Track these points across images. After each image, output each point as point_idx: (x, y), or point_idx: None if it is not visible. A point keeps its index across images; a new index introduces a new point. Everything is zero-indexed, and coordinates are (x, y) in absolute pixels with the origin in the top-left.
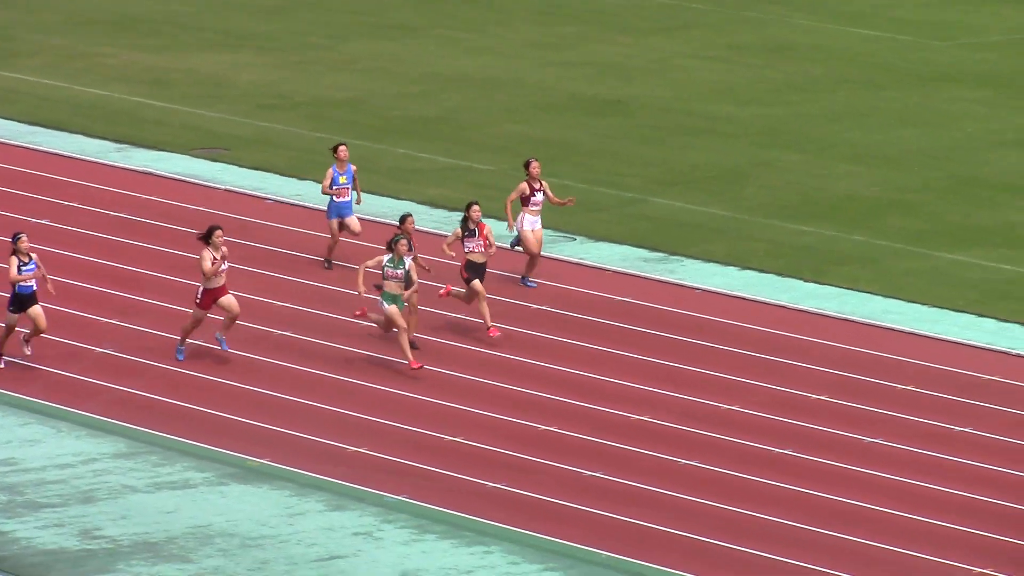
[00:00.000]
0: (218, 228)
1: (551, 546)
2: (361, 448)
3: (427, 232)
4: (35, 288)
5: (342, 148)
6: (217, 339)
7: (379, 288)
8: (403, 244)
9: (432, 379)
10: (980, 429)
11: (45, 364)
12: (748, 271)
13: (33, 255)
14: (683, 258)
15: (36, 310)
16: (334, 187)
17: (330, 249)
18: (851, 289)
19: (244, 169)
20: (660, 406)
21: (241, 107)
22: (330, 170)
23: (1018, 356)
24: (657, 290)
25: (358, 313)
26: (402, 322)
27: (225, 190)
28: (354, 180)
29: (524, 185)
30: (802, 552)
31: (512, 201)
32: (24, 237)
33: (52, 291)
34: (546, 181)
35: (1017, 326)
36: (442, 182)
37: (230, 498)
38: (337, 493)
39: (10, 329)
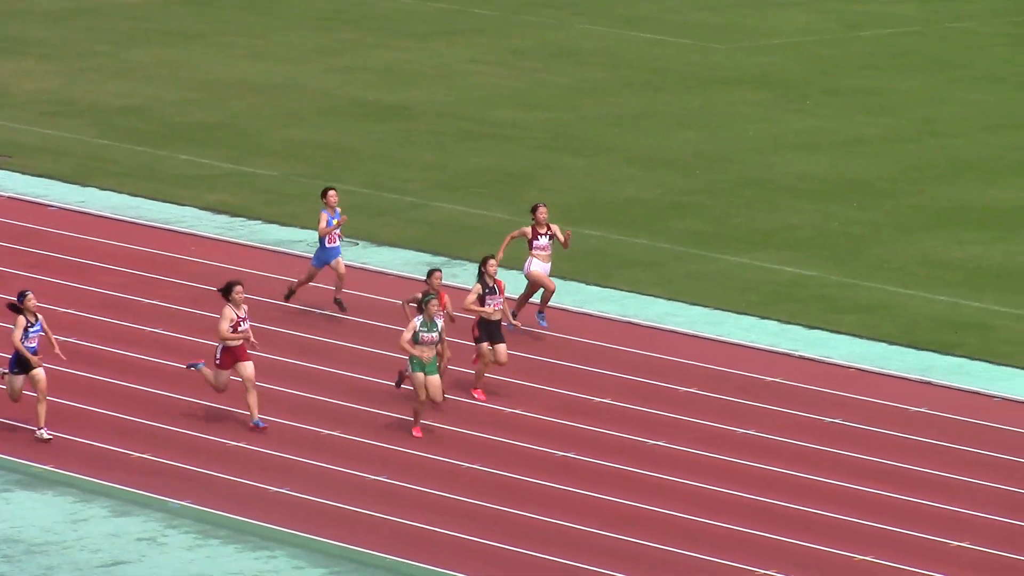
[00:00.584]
0: (238, 284)
1: (335, 550)
2: (145, 454)
3: (209, 237)
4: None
5: (332, 193)
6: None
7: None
8: (434, 305)
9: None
10: (762, 431)
11: None
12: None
13: (40, 315)
14: (465, 262)
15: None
16: (328, 228)
17: (300, 284)
18: (634, 292)
19: (28, 176)
20: (444, 411)
21: (24, 114)
22: (323, 214)
23: (800, 358)
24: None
25: (408, 373)
26: (423, 394)
27: (8, 197)
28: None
29: (527, 229)
30: (586, 555)
31: (513, 238)
32: (31, 295)
33: (61, 356)
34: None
35: (799, 327)
36: (225, 188)
37: (14, 504)
38: (121, 499)
39: (15, 392)
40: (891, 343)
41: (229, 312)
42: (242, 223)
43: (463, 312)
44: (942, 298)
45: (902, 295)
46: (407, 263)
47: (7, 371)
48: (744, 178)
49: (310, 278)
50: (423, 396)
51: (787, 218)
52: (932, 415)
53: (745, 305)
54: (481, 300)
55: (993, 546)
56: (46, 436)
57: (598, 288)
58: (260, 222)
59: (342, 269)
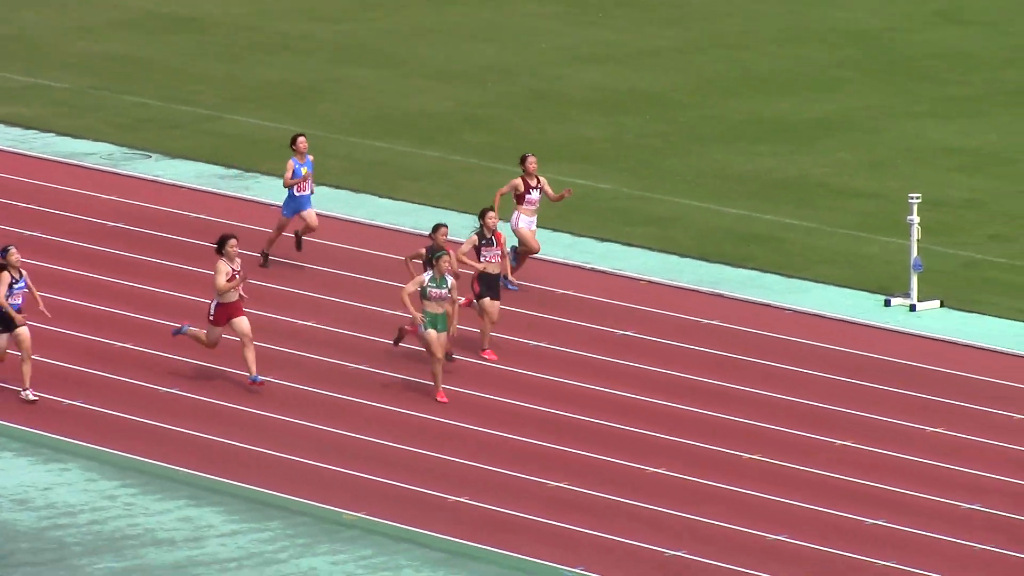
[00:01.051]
0: (232, 237)
1: (127, 463)
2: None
3: (3, 150)
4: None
5: (301, 139)
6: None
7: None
8: (445, 261)
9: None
10: (554, 343)
11: None
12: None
13: (24, 271)
14: (258, 175)
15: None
16: (295, 179)
17: (270, 242)
18: (425, 204)
19: None
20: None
21: None
22: (291, 162)
23: (592, 270)
24: (232, 206)
25: (409, 328)
26: (440, 352)
27: None
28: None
29: (518, 181)
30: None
31: (503, 195)
32: (14, 250)
33: (47, 313)
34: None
35: (591, 240)
36: (17, 100)
37: None
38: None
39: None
40: (683, 255)
41: (223, 266)
42: (35, 135)
43: (458, 264)
44: (734, 211)
45: (695, 207)
46: (200, 175)
47: None
48: (536, 91)
49: (281, 228)
50: (439, 354)
51: (580, 130)
52: (723, 327)
53: (539, 218)
54: (477, 252)
55: (785, 459)
56: (31, 397)
57: (389, 200)
58: (54, 135)
59: (313, 220)
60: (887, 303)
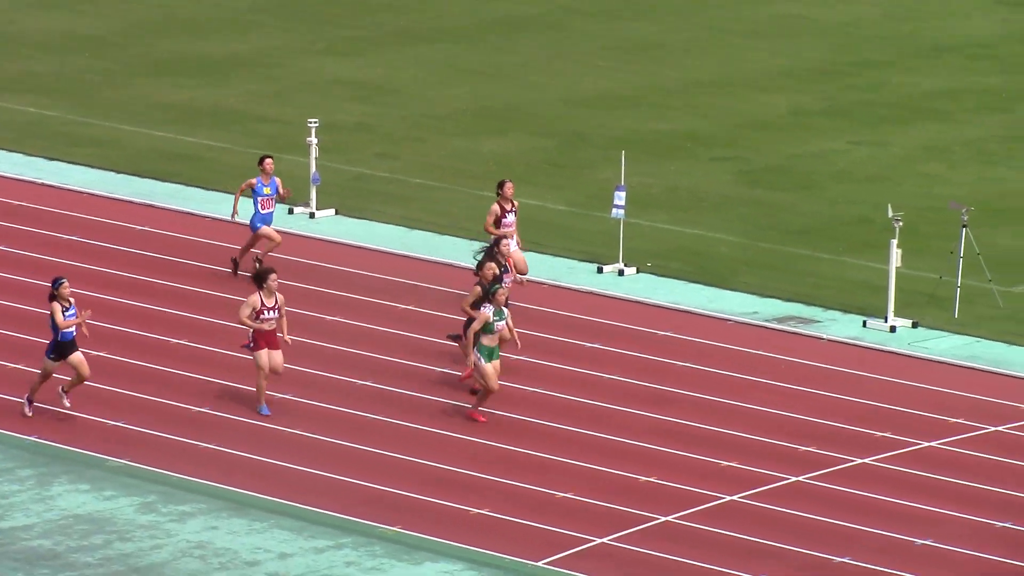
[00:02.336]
0: (272, 272)
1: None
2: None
3: None
4: (75, 334)
5: (268, 161)
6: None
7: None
8: (502, 293)
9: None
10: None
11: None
12: None
13: (72, 300)
14: None
15: (77, 357)
16: (260, 197)
17: (243, 250)
18: None
19: None
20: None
21: None
22: (253, 180)
23: (45, 184)
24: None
25: (464, 376)
26: (495, 385)
27: None
28: (277, 192)
29: (496, 207)
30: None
31: (491, 223)
32: (66, 282)
33: (87, 334)
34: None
35: (41, 159)
36: None
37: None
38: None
39: (46, 376)
40: (119, 172)
41: (255, 299)
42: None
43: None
44: (162, 134)
45: (128, 132)
46: None
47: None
48: None
49: (252, 244)
50: (495, 386)
51: (30, 67)
52: (155, 232)
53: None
54: (498, 279)
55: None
56: (66, 404)
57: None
58: None
59: (276, 236)
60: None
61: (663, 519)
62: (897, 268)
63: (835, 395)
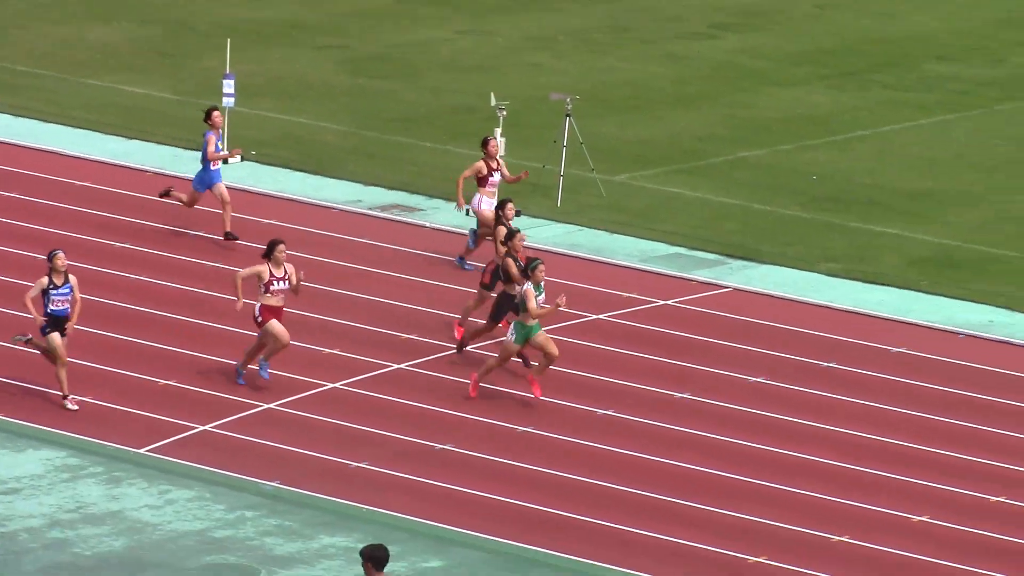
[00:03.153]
0: (281, 242)
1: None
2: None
3: None
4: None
5: (216, 113)
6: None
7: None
8: (541, 270)
9: None
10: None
11: None
12: None
13: (72, 277)
14: None
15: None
16: (218, 154)
17: (187, 205)
18: None
19: None
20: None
21: None
22: (212, 136)
23: None
24: None
25: (532, 384)
26: (555, 350)
27: None
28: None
29: (481, 164)
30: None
31: (465, 179)
32: (61, 254)
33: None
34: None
35: None
36: None
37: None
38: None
39: (54, 352)
40: None
41: (261, 268)
42: None
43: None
44: None
45: None
46: None
47: (28, 337)
48: None
49: (193, 201)
50: (554, 351)
51: None
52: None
53: None
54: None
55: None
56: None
57: None
58: None
59: (226, 195)
60: None
61: (266, 406)
62: (501, 157)
63: (438, 283)
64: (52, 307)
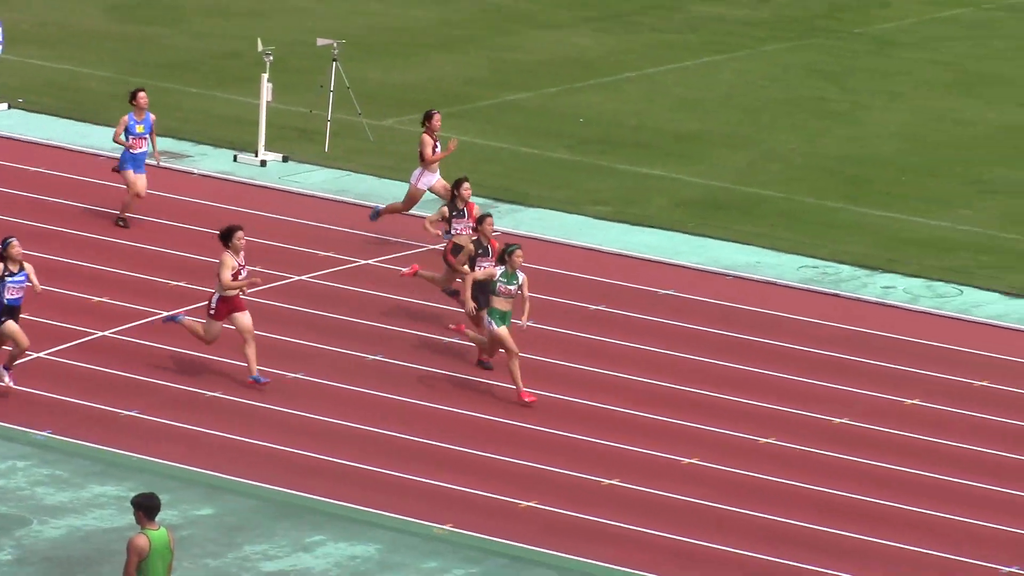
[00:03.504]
0: (239, 229)
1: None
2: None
3: None
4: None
5: (141, 94)
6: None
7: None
8: (518, 255)
9: None
10: None
11: None
12: None
13: (27, 265)
14: None
15: (13, 326)
16: (130, 137)
17: (126, 205)
18: None
19: None
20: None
21: None
22: (125, 117)
23: None
24: None
25: (453, 327)
26: (513, 345)
27: None
28: (151, 131)
29: (427, 138)
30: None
31: (433, 160)
32: (15, 242)
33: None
34: None
35: None
36: None
37: None
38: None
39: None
40: None
41: (230, 260)
42: None
43: (427, 235)
44: None
45: None
46: None
47: None
48: None
49: (131, 187)
50: (515, 348)
51: None
52: None
53: None
54: (447, 222)
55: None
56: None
57: None
58: None
59: (143, 188)
60: None
61: (35, 355)
62: (268, 103)
63: (208, 230)
64: (8, 296)
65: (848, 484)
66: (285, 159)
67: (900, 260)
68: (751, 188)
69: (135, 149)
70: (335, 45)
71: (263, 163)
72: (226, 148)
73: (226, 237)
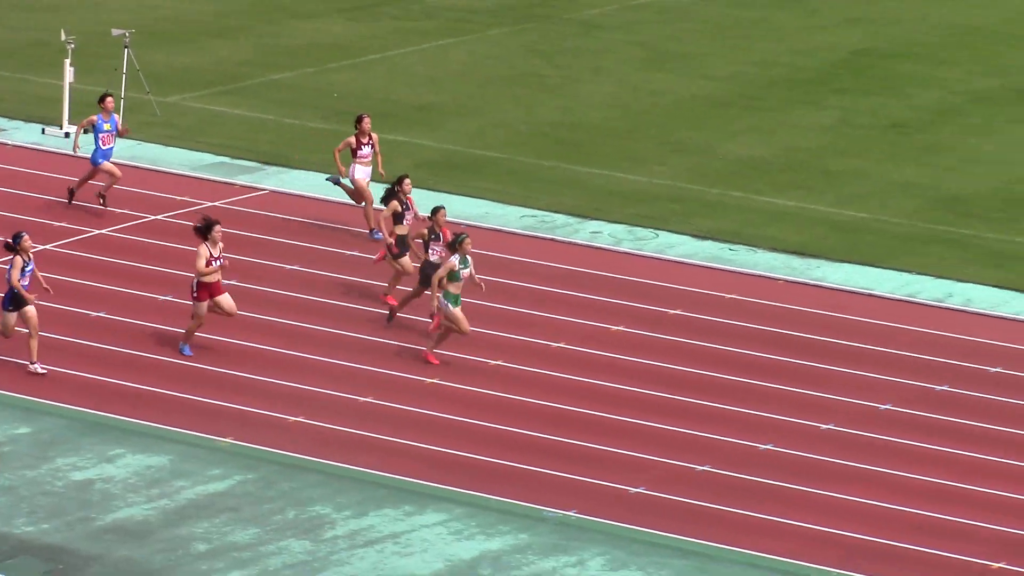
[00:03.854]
0: (217, 223)
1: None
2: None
3: None
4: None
5: (109, 99)
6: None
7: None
8: (468, 243)
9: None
10: None
11: None
12: None
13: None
14: None
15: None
16: (100, 134)
17: (81, 182)
18: None
19: None
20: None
21: None
22: (94, 117)
23: None
24: None
25: (432, 328)
26: (467, 327)
27: None
28: (117, 128)
29: (352, 139)
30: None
31: (340, 151)
32: (27, 236)
33: (49, 290)
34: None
35: None
36: None
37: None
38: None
39: (8, 329)
40: None
41: (204, 250)
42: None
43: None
44: None
45: None
46: None
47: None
48: None
49: (91, 176)
50: (466, 328)
51: None
52: None
53: None
54: (398, 218)
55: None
56: (40, 370)
57: None
58: None
59: (117, 172)
60: None
61: None
62: (71, 84)
63: (20, 192)
64: (24, 283)
65: (580, 401)
66: (85, 132)
67: (605, 209)
68: (480, 151)
69: (105, 145)
70: (127, 34)
71: (67, 135)
72: (36, 123)
73: (204, 231)
